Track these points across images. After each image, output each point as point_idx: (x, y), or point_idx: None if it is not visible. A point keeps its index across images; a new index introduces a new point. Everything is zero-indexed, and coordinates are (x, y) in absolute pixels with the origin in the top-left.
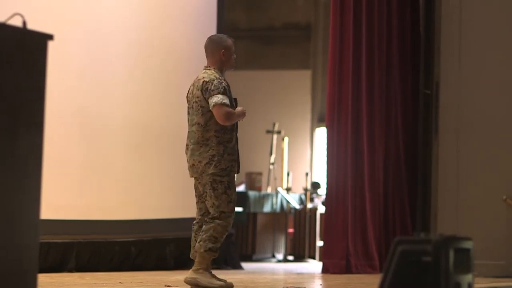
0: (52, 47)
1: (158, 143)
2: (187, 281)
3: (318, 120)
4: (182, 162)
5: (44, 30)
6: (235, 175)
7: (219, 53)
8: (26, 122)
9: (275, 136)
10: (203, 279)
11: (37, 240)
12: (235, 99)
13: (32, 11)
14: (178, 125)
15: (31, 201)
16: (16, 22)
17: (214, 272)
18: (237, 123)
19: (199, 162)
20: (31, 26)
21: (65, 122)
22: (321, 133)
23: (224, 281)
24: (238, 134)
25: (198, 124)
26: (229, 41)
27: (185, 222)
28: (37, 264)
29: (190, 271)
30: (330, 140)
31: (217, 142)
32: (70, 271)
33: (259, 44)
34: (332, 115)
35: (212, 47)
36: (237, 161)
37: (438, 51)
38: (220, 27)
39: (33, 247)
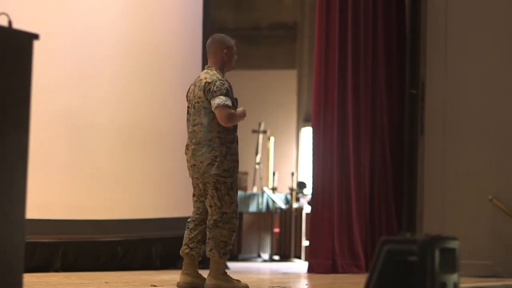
0: (38, 46)
1: (144, 143)
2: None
3: (304, 120)
4: (168, 162)
5: (30, 30)
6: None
7: (222, 53)
8: (11, 122)
9: (261, 136)
10: (227, 284)
11: (23, 239)
12: (236, 99)
13: (18, 10)
14: (165, 125)
15: (17, 201)
16: (2, 21)
17: (200, 271)
18: (237, 124)
19: (201, 162)
20: (17, 25)
21: (51, 122)
22: (307, 132)
23: (239, 281)
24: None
25: (201, 124)
26: (232, 42)
27: (171, 222)
28: (23, 264)
29: (208, 277)
30: (316, 140)
31: (220, 143)
32: (56, 270)
33: (245, 43)
34: (318, 114)
35: (215, 47)
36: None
37: (424, 51)
38: (207, 27)
39: (19, 247)
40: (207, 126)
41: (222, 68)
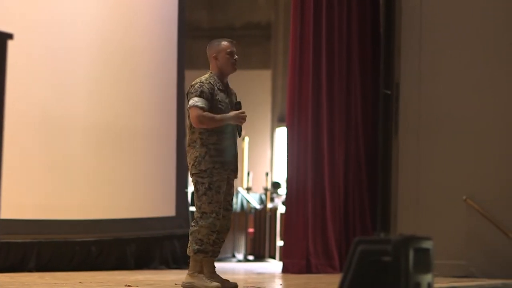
0: (12, 46)
1: (119, 142)
2: (183, 286)
3: (278, 120)
4: (142, 161)
5: (4, 26)
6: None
7: (212, 57)
8: None
9: None
10: (199, 282)
11: None
12: (239, 102)
13: None
14: (139, 124)
15: None
16: None
17: (179, 271)
18: (238, 126)
19: (188, 163)
20: None
21: (25, 121)
22: (282, 133)
23: (227, 280)
24: None
25: (187, 126)
26: (224, 44)
27: (145, 222)
28: None
29: (186, 275)
30: (291, 140)
31: (201, 144)
32: (30, 270)
33: None
34: (292, 115)
35: (208, 52)
36: (233, 162)
37: (398, 52)
38: (181, 27)
39: None
40: (191, 128)
41: (220, 71)
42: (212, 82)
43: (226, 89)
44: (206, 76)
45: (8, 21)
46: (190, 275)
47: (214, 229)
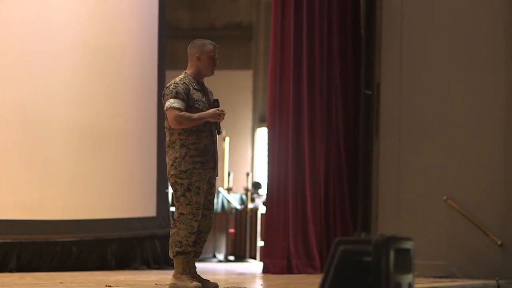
0: None
1: (100, 142)
2: (169, 287)
3: (259, 120)
4: (123, 162)
5: None
6: (215, 177)
7: (194, 57)
8: None
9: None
10: (179, 283)
11: None
12: (217, 100)
13: None
14: (121, 125)
15: None
16: None
17: (160, 271)
18: (216, 124)
19: (167, 164)
20: None
21: (6, 121)
22: (262, 133)
23: (207, 281)
24: None
25: (166, 128)
26: (208, 47)
27: (126, 222)
28: None
29: (171, 276)
30: (271, 140)
31: (181, 145)
32: (11, 271)
33: None
34: (273, 115)
35: (190, 51)
36: (212, 161)
37: (379, 52)
38: (162, 27)
39: None
40: (170, 129)
41: (198, 72)
42: (186, 82)
43: (202, 88)
44: (181, 76)
45: None
46: (174, 276)
47: (192, 230)
